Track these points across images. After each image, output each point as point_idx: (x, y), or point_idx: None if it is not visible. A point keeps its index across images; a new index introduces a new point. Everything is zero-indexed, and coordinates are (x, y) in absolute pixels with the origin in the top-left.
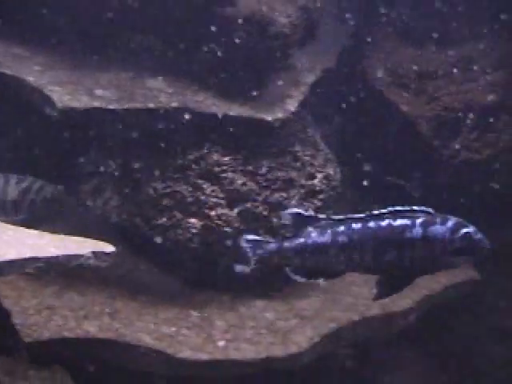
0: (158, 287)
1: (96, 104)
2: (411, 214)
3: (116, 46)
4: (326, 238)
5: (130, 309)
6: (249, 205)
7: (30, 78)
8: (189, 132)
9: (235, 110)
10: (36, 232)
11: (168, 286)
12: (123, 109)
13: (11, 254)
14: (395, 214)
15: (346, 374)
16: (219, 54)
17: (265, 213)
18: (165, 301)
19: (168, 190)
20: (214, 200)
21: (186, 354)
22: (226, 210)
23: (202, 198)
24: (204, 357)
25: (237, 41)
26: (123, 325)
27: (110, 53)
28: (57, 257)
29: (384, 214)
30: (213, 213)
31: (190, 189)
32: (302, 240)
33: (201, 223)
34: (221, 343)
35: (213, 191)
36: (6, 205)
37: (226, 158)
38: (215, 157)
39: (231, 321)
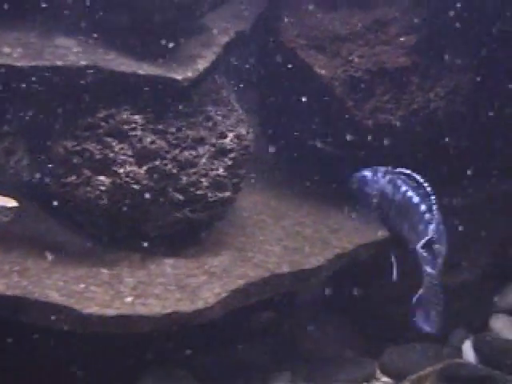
0: (69, 246)
1: (3, 61)
2: None
3: (25, 4)
4: None
5: (39, 267)
6: (158, 162)
7: None
8: (98, 90)
9: (145, 69)
10: None
11: (79, 245)
12: (30, 66)
13: None
14: None
15: (266, 336)
16: (130, 13)
17: (174, 171)
18: (75, 259)
19: (77, 148)
20: (123, 157)
21: (92, 309)
22: (134, 168)
23: (111, 155)
24: (111, 312)
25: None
26: (31, 282)
27: (18, 11)
28: None
29: None
30: (121, 170)
31: (99, 146)
32: None
33: (109, 180)
34: (128, 299)
35: (121, 149)
36: None
37: (136, 117)
38: (124, 115)
39: (140, 278)
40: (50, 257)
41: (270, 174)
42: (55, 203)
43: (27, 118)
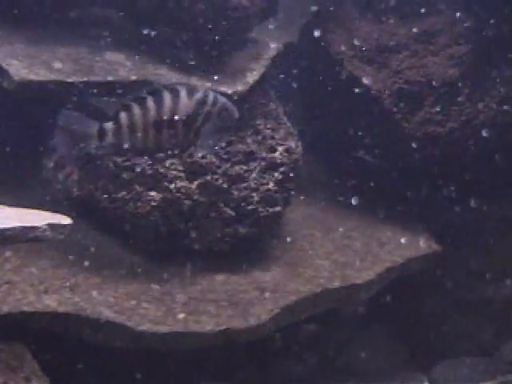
0: (119, 261)
1: (54, 77)
2: None
3: (74, 19)
4: None
5: (90, 283)
6: (209, 177)
7: None
8: None
9: (195, 83)
10: None
11: (129, 260)
12: (82, 81)
13: None
14: None
15: (311, 349)
16: (179, 27)
17: (225, 185)
18: (125, 275)
19: (127, 164)
20: (174, 173)
21: (145, 326)
22: (185, 183)
23: (162, 170)
24: (163, 329)
25: (197, 13)
26: (83, 299)
27: (69, 26)
28: (12, 228)
29: None
30: (172, 185)
31: (150, 162)
32: None
33: (160, 195)
34: (181, 316)
35: (172, 164)
36: None
37: None
38: None
39: (192, 294)
40: (100, 272)
41: (315, 187)
42: (105, 218)
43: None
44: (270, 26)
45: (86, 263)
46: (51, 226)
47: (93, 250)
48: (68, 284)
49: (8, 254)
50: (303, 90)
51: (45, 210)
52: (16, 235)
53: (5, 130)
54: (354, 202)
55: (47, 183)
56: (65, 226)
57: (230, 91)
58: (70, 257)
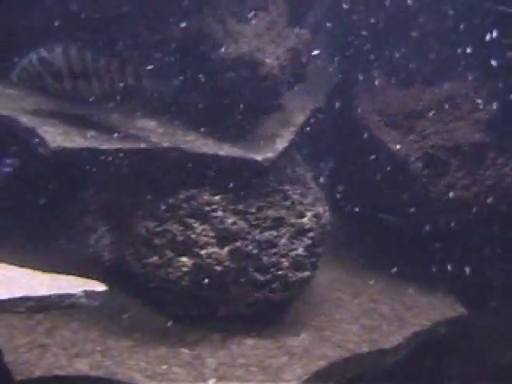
0: (149, 325)
1: (88, 144)
2: None
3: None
4: None
5: (121, 347)
6: (239, 243)
7: (24, 119)
8: (179, 172)
9: (225, 150)
10: (28, 271)
11: (159, 324)
12: (115, 149)
13: (3, 294)
14: None
15: None
16: (210, 94)
17: (255, 251)
18: (156, 339)
19: (159, 229)
20: (205, 239)
21: None
22: (216, 249)
23: (193, 236)
24: None
25: (227, 82)
26: (114, 363)
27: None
28: (49, 296)
29: None
30: (203, 251)
31: (181, 228)
32: None
33: (191, 261)
34: (211, 381)
35: (203, 230)
36: None
37: (217, 198)
38: (205, 196)
39: (222, 359)
40: (130, 335)
41: (341, 250)
42: (136, 282)
43: (107, 197)
44: (298, 92)
45: (117, 326)
46: (86, 292)
47: (123, 313)
48: (99, 348)
49: (40, 316)
50: (331, 155)
51: (77, 273)
52: (53, 303)
53: (38, 191)
54: (378, 264)
55: (79, 246)
56: (99, 292)
57: (260, 158)
58: (101, 320)
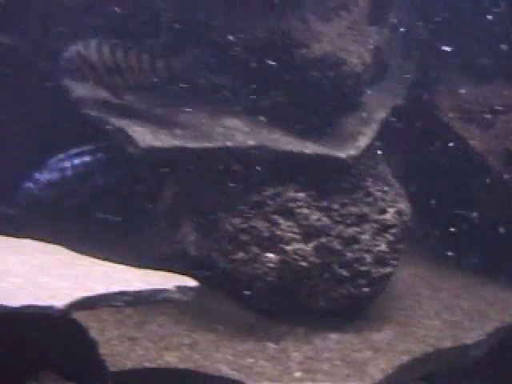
0: (235, 319)
1: (177, 143)
2: None
3: (193, 85)
4: None
5: (207, 340)
6: (323, 239)
7: (113, 119)
8: (265, 169)
9: (310, 148)
10: (121, 266)
11: (244, 319)
12: (202, 147)
13: (101, 288)
14: None
15: None
16: (293, 93)
17: (339, 247)
18: (241, 333)
19: (245, 226)
20: (290, 235)
21: None
22: (301, 245)
23: (279, 233)
24: None
25: (311, 80)
26: (202, 356)
27: (188, 92)
28: (144, 291)
29: None
30: (289, 247)
31: (267, 224)
32: None
33: (278, 257)
34: (297, 374)
35: (288, 226)
36: None
37: (301, 194)
38: (290, 193)
39: (307, 353)
40: (216, 329)
41: (418, 245)
42: (221, 278)
43: (193, 194)
44: (377, 89)
45: (203, 320)
46: (179, 287)
47: (209, 307)
48: (187, 341)
49: (128, 311)
50: (410, 151)
51: (163, 270)
52: (148, 297)
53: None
54: (454, 260)
55: (163, 242)
56: (192, 288)
57: (343, 155)
58: (187, 314)
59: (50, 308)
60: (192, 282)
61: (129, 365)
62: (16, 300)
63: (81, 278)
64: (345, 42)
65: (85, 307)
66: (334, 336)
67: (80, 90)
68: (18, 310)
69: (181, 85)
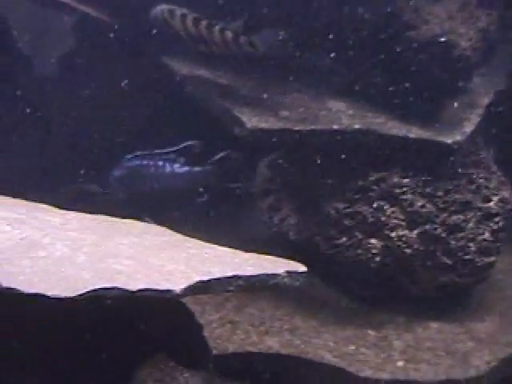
0: (335, 305)
1: (282, 125)
2: None
3: (298, 67)
4: None
5: (308, 326)
6: (428, 226)
7: (219, 99)
8: (369, 153)
9: (415, 132)
10: (230, 250)
11: (345, 305)
12: (308, 130)
13: (216, 272)
14: None
15: None
16: (399, 76)
17: (443, 235)
18: (342, 319)
19: (349, 210)
20: (395, 221)
21: (367, 373)
22: (406, 232)
23: (383, 218)
24: (385, 376)
25: (418, 64)
26: (303, 342)
27: (292, 74)
28: (257, 276)
29: None
30: (393, 234)
31: (371, 210)
32: None
33: (381, 243)
34: (400, 363)
35: (393, 212)
36: None
37: (406, 180)
38: (395, 179)
39: (408, 341)
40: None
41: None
42: (322, 263)
43: (292, 177)
44: (479, 73)
45: (303, 305)
46: (289, 273)
47: (308, 292)
48: (287, 326)
49: (227, 294)
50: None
51: (264, 253)
52: (260, 282)
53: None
54: None
55: (261, 225)
56: (301, 273)
57: (449, 141)
58: (287, 299)
59: (168, 292)
60: (302, 267)
61: (230, 348)
62: (132, 283)
63: (192, 260)
64: (454, 24)
65: (200, 291)
66: (435, 325)
67: (183, 68)
68: (134, 294)
69: (275, 64)
